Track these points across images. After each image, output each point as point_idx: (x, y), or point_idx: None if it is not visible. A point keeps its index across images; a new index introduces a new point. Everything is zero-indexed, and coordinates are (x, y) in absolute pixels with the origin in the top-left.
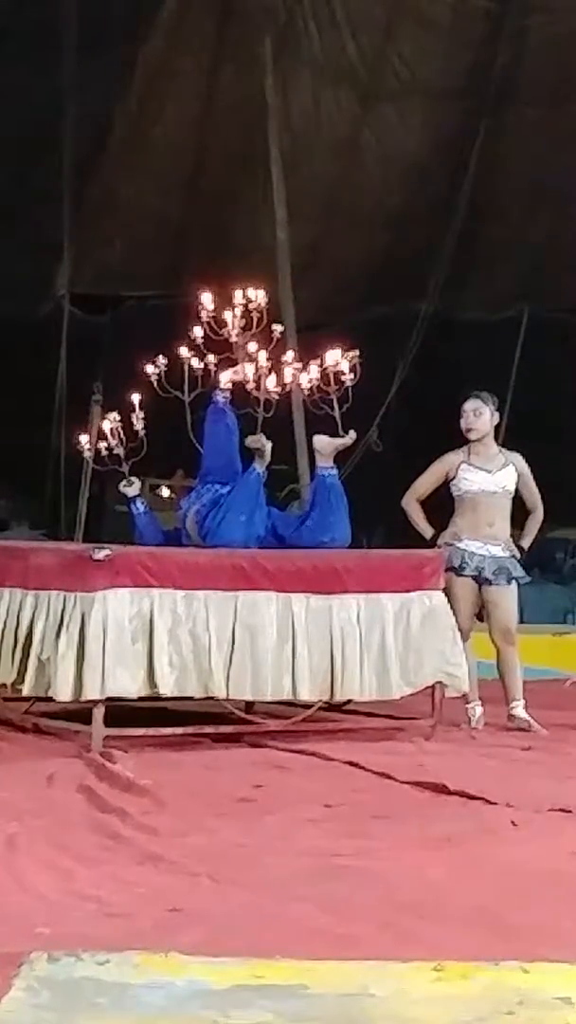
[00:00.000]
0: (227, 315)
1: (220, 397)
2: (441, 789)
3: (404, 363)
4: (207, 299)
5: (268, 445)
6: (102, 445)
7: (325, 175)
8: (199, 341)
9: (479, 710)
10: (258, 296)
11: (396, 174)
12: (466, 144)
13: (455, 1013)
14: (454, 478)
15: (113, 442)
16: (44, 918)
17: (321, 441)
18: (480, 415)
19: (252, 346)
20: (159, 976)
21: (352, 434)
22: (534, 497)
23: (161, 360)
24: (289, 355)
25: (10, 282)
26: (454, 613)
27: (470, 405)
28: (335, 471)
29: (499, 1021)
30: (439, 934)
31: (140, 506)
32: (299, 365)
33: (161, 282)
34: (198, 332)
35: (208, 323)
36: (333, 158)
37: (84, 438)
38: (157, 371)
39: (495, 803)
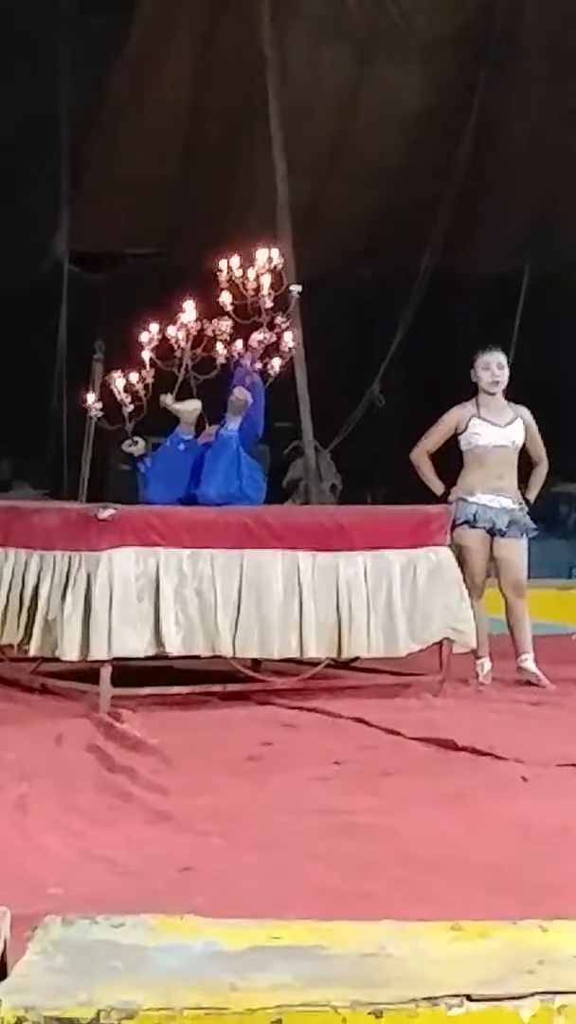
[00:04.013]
0: (249, 274)
1: (247, 360)
2: (450, 745)
3: (405, 319)
4: (233, 263)
5: (251, 400)
6: (100, 404)
7: (324, 131)
8: (228, 307)
9: (488, 665)
10: (275, 257)
11: (396, 129)
12: (466, 97)
13: (474, 972)
14: (463, 432)
15: (125, 397)
16: (56, 879)
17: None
18: (503, 368)
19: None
20: (175, 939)
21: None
22: (540, 451)
23: (155, 330)
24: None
25: (9, 243)
26: (468, 567)
27: (494, 358)
28: (233, 430)
29: (519, 980)
30: (453, 891)
31: (145, 465)
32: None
33: (161, 240)
34: (226, 298)
35: (230, 286)
36: (332, 114)
37: (91, 396)
38: (152, 340)
39: (505, 758)
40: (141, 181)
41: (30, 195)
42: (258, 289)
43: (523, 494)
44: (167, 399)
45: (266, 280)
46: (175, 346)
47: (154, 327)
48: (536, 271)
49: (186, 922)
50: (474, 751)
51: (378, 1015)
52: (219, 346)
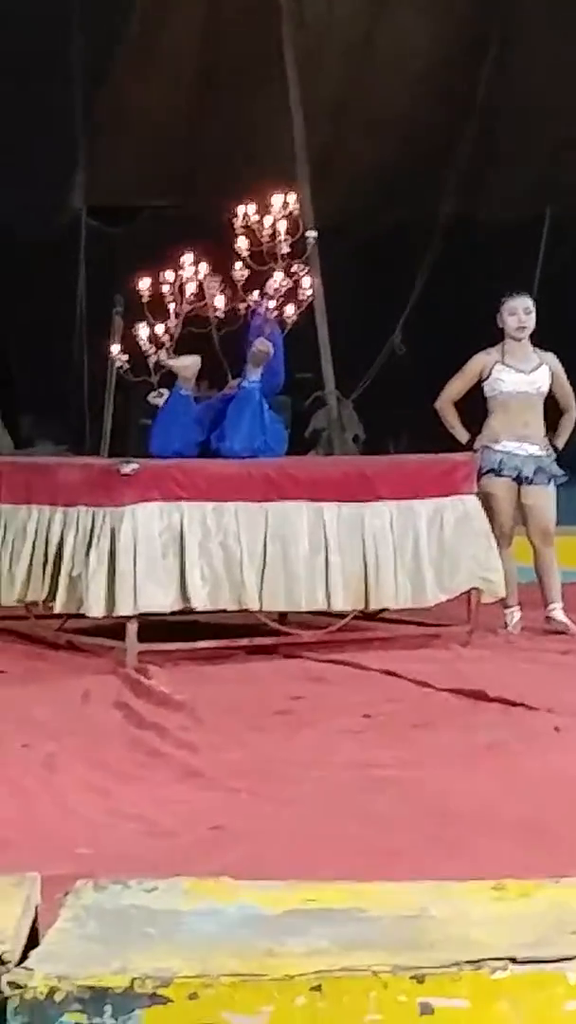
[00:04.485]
0: (266, 221)
1: (265, 307)
2: (480, 696)
3: (425, 266)
4: (250, 209)
5: (272, 350)
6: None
7: (340, 78)
8: (244, 252)
9: (517, 615)
10: (291, 202)
11: (412, 75)
12: (482, 42)
13: (518, 934)
14: (487, 378)
15: (150, 348)
16: (85, 838)
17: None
18: (529, 313)
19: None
20: (210, 902)
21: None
22: (568, 397)
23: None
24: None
25: (25, 198)
26: (496, 516)
27: (520, 303)
28: (254, 382)
29: (564, 941)
30: (488, 847)
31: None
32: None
33: (177, 192)
34: (243, 243)
35: (246, 232)
36: (347, 61)
37: (115, 348)
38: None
39: (536, 709)
40: (156, 133)
41: (45, 150)
42: (274, 235)
43: (551, 441)
44: (164, 356)
45: (282, 225)
46: (174, 299)
47: (168, 275)
48: (557, 215)
49: (220, 885)
50: (505, 702)
51: (420, 980)
52: (218, 300)
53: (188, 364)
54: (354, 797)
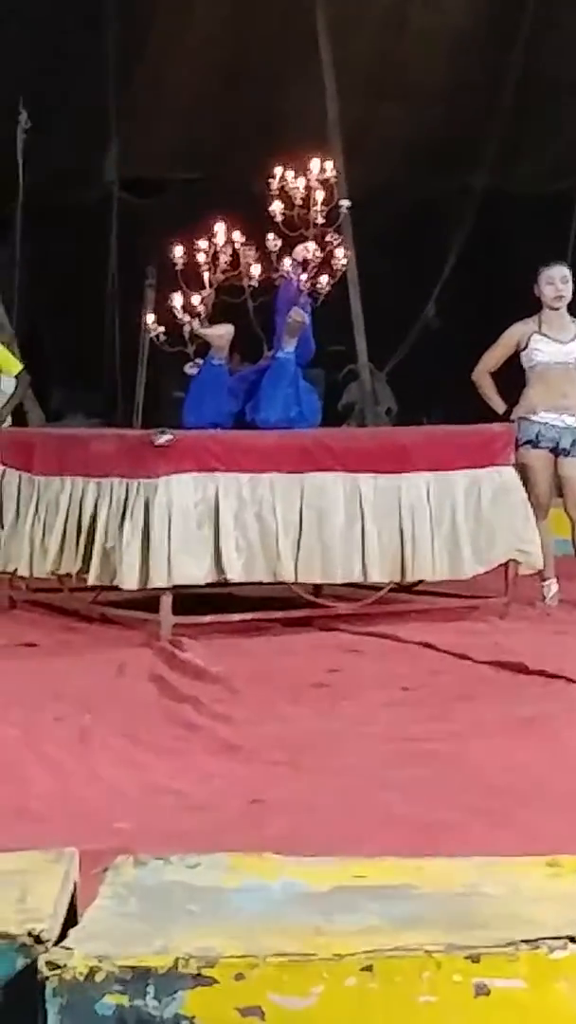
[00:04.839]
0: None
1: (296, 277)
2: (520, 668)
3: (458, 239)
4: (288, 174)
5: (307, 321)
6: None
7: (372, 49)
8: (278, 217)
9: (554, 587)
10: (328, 169)
11: (445, 45)
12: (516, 12)
13: (574, 911)
14: (525, 348)
15: (185, 318)
16: (123, 813)
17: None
18: (567, 282)
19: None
20: (254, 879)
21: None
22: None
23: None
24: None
25: (59, 170)
26: (532, 488)
27: (557, 272)
28: (289, 353)
29: None
30: (533, 820)
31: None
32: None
33: (209, 164)
34: (277, 207)
35: (280, 195)
36: (380, 31)
37: (150, 318)
38: (207, 262)
39: None
40: (188, 105)
41: (80, 121)
42: (308, 201)
43: None
44: (197, 325)
45: (319, 194)
46: (208, 268)
47: (202, 244)
48: None
49: (264, 861)
50: (545, 674)
51: (475, 959)
52: (253, 269)
53: (221, 333)
54: (396, 770)
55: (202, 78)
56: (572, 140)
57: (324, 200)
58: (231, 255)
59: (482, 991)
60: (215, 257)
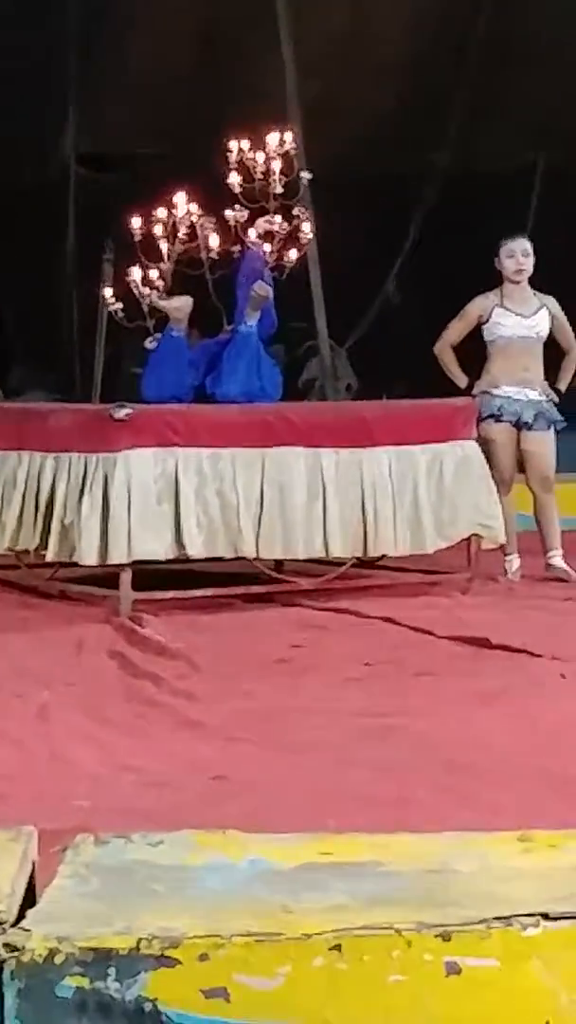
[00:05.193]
0: (259, 157)
1: (259, 248)
2: (483, 643)
3: (419, 214)
4: (244, 145)
5: (271, 294)
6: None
7: (333, 23)
8: (237, 189)
9: (516, 562)
10: (287, 140)
11: (406, 19)
12: None
13: (548, 889)
14: (486, 322)
15: (146, 292)
16: (83, 791)
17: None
18: (527, 255)
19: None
20: (219, 857)
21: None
22: (570, 339)
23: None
24: (300, 209)
25: (14, 145)
26: (495, 462)
27: (518, 245)
28: (251, 326)
29: None
30: (499, 795)
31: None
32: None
33: (169, 138)
34: (234, 178)
35: (239, 168)
36: (341, 5)
37: (107, 292)
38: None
39: (540, 655)
40: (149, 80)
41: (37, 95)
42: (268, 173)
43: (554, 384)
44: (155, 297)
45: (276, 165)
46: (166, 239)
47: (161, 213)
48: (550, 163)
49: (229, 838)
50: (508, 648)
51: (446, 938)
52: (212, 240)
53: (179, 305)
54: (360, 746)
55: (164, 51)
56: (531, 116)
57: (283, 171)
58: (189, 227)
59: (453, 970)
60: (174, 229)
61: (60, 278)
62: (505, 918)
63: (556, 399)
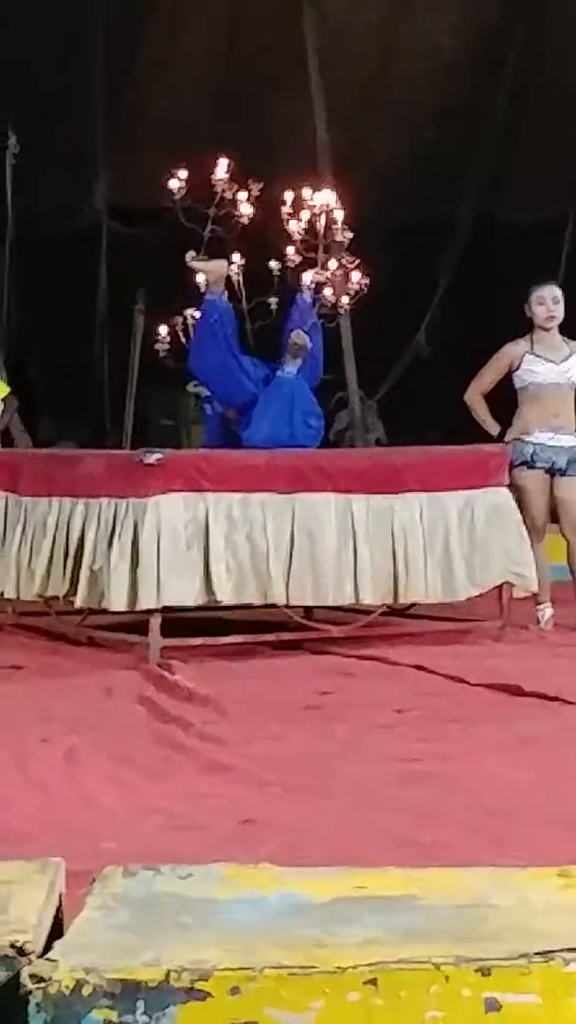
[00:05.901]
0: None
1: (307, 296)
2: (516, 691)
3: (448, 265)
4: (304, 193)
5: (310, 344)
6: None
7: (362, 74)
8: (298, 236)
9: (549, 611)
10: (327, 196)
11: (435, 72)
12: (506, 38)
13: None
14: (517, 369)
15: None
16: (110, 833)
17: (296, 337)
18: (558, 302)
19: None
20: (249, 890)
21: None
22: None
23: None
24: (333, 262)
25: (47, 199)
26: (527, 509)
27: (549, 292)
28: (291, 373)
29: None
30: (533, 839)
31: (212, 408)
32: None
33: (200, 189)
34: (294, 226)
35: (292, 216)
36: (369, 57)
37: (163, 329)
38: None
39: (574, 703)
40: (177, 132)
41: (69, 150)
42: (313, 227)
43: None
44: (190, 257)
45: (331, 216)
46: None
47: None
48: None
49: (260, 871)
50: (542, 696)
51: (485, 972)
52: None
53: (212, 268)
54: (392, 790)
55: (190, 104)
56: (561, 168)
57: (327, 226)
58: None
59: (493, 1007)
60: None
61: (91, 330)
62: (547, 953)
63: None
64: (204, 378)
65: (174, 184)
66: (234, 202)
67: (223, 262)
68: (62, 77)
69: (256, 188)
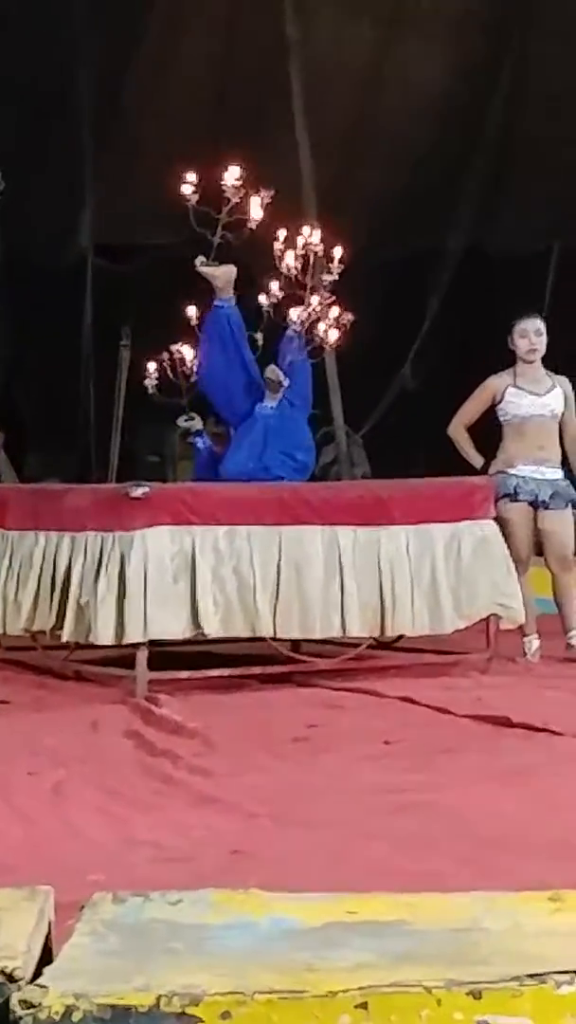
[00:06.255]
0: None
1: (295, 332)
2: (503, 722)
3: (433, 300)
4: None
5: (286, 381)
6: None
7: (348, 110)
8: (293, 271)
9: (536, 643)
10: (314, 235)
11: (421, 107)
12: (493, 74)
13: None
14: (500, 402)
15: (186, 369)
16: (98, 865)
17: (271, 373)
18: (540, 335)
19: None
20: (240, 915)
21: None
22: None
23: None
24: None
25: (33, 233)
26: (511, 542)
27: (532, 325)
28: (267, 407)
29: None
30: (523, 868)
31: (203, 441)
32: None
33: (182, 227)
34: (290, 259)
35: (283, 253)
36: (356, 93)
37: (152, 365)
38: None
39: (561, 734)
40: (164, 166)
41: (51, 189)
42: (304, 265)
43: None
44: (199, 262)
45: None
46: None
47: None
48: (566, 250)
49: (250, 897)
50: (529, 727)
51: (477, 996)
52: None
53: (219, 274)
54: (380, 820)
55: (177, 140)
56: (546, 201)
57: (312, 265)
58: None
59: None
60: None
61: (77, 365)
62: (538, 975)
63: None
64: (209, 389)
65: (186, 189)
66: (244, 207)
67: (232, 267)
68: (49, 113)
69: (267, 195)
